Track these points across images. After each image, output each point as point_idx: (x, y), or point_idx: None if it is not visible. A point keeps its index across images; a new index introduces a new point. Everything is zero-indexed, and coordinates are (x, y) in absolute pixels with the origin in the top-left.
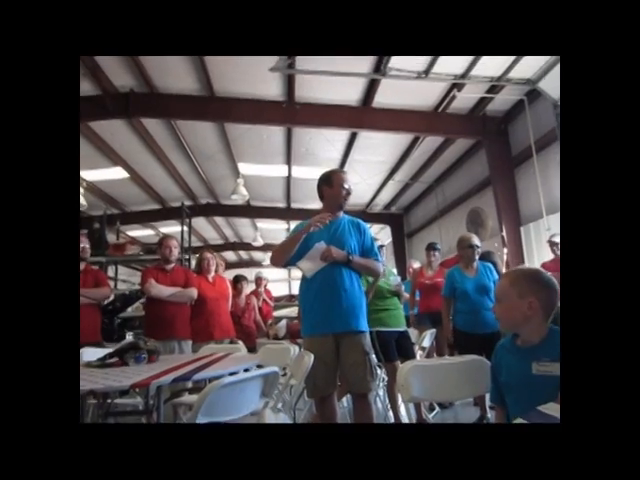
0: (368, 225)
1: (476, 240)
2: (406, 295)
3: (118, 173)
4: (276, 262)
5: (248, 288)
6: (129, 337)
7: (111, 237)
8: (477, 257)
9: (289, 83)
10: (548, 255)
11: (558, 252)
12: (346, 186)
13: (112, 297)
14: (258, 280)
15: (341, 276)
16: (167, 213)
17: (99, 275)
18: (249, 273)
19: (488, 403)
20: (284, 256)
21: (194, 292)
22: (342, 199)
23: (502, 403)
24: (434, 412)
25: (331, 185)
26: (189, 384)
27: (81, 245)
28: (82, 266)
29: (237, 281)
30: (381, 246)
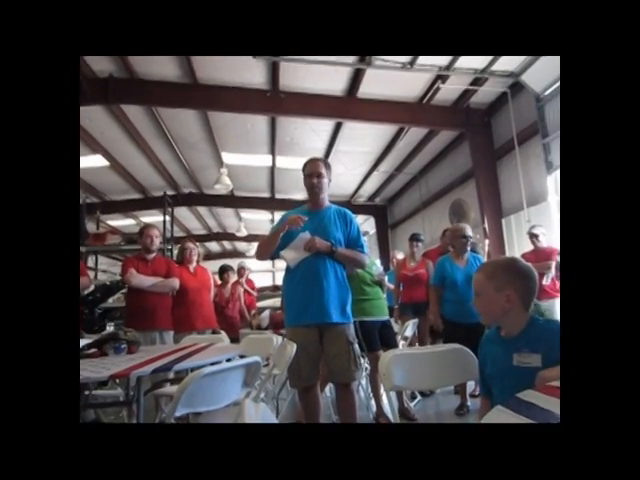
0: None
1: (469, 231)
2: (390, 286)
3: (98, 161)
4: (260, 257)
5: (234, 278)
6: (110, 328)
7: (91, 226)
8: (469, 248)
9: (274, 71)
10: (528, 246)
11: (538, 243)
12: (312, 174)
13: (92, 288)
14: (240, 270)
15: (324, 267)
16: (149, 202)
17: None
18: (232, 263)
19: (469, 391)
20: (266, 250)
21: (176, 282)
22: (310, 188)
23: (489, 394)
24: (416, 400)
25: (304, 174)
26: (171, 375)
27: None
28: None
29: (223, 271)
30: (365, 233)
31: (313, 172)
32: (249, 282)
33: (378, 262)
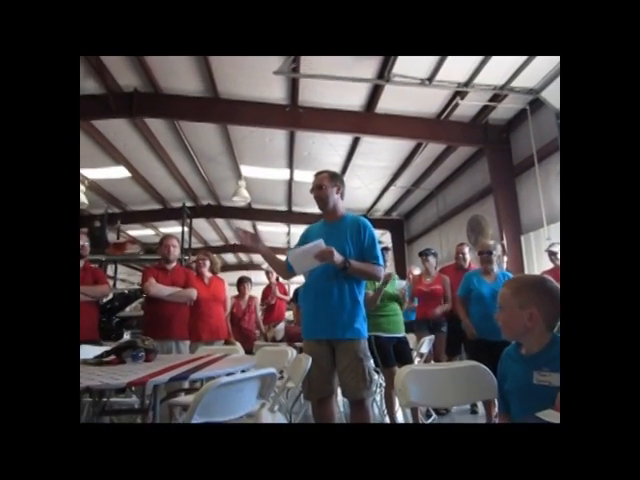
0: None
1: (491, 247)
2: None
3: (120, 172)
4: (281, 276)
5: (252, 290)
6: (126, 336)
7: (111, 236)
8: (494, 264)
9: (293, 87)
10: (548, 264)
11: (557, 261)
12: (314, 188)
13: (111, 296)
14: (268, 274)
15: (336, 282)
16: (168, 213)
17: (98, 273)
18: (248, 275)
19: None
20: (278, 272)
21: (194, 293)
22: (315, 201)
23: (508, 412)
24: (431, 418)
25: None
26: (186, 384)
27: (80, 243)
28: (81, 264)
29: (240, 282)
30: (385, 248)
31: (314, 185)
32: (280, 285)
33: (397, 277)
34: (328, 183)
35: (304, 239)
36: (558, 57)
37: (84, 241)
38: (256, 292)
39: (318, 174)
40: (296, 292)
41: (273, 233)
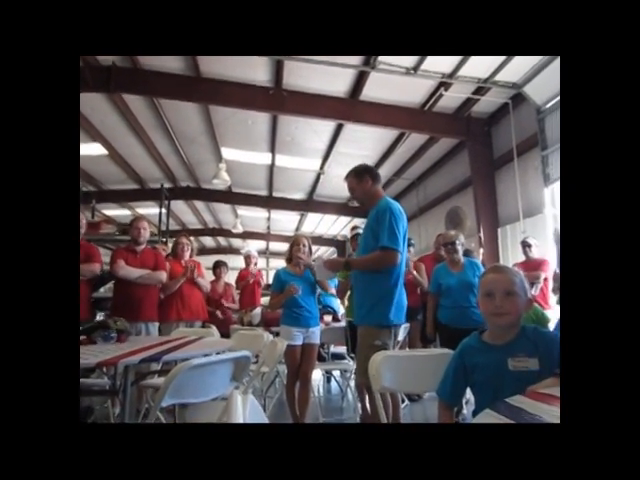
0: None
1: (454, 238)
2: None
3: (96, 149)
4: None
5: (227, 275)
6: (99, 317)
7: (86, 215)
8: (459, 254)
9: (278, 69)
10: (522, 257)
11: (530, 253)
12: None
13: None
14: (247, 258)
15: (356, 274)
16: (145, 194)
17: (90, 250)
18: (227, 260)
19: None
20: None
21: (163, 275)
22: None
23: (456, 402)
24: (403, 405)
25: None
26: (157, 366)
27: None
28: None
29: (216, 266)
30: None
31: (348, 189)
32: (258, 273)
33: None
34: (356, 184)
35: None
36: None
37: (81, 219)
38: (232, 275)
39: (345, 178)
40: (275, 277)
41: (253, 218)
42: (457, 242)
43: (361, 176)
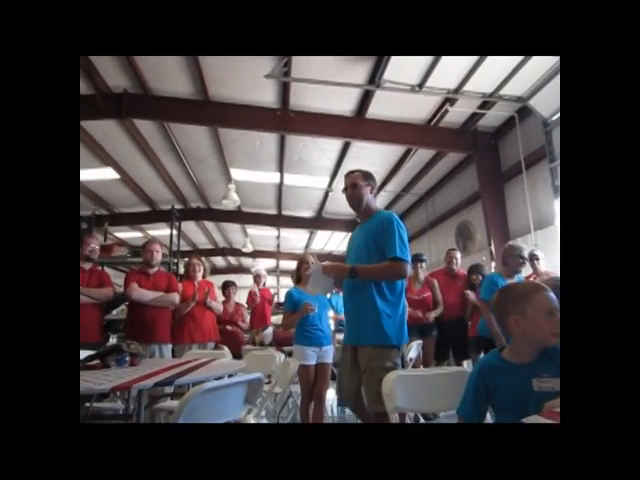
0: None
1: (525, 252)
2: None
3: (108, 174)
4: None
5: (237, 295)
6: (113, 340)
7: (99, 238)
8: (522, 269)
9: (284, 90)
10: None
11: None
12: (346, 188)
13: None
14: (257, 278)
15: (353, 287)
16: (157, 216)
17: (104, 276)
18: (237, 279)
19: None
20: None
21: (176, 297)
22: (347, 201)
23: (479, 422)
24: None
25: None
26: (170, 390)
27: (92, 246)
28: (89, 266)
29: (226, 287)
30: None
31: (347, 184)
32: (265, 291)
33: None
34: (362, 182)
35: (349, 244)
36: (546, 66)
37: (96, 244)
38: (243, 294)
39: (350, 173)
40: (287, 296)
41: (263, 237)
42: (526, 257)
43: (369, 179)
